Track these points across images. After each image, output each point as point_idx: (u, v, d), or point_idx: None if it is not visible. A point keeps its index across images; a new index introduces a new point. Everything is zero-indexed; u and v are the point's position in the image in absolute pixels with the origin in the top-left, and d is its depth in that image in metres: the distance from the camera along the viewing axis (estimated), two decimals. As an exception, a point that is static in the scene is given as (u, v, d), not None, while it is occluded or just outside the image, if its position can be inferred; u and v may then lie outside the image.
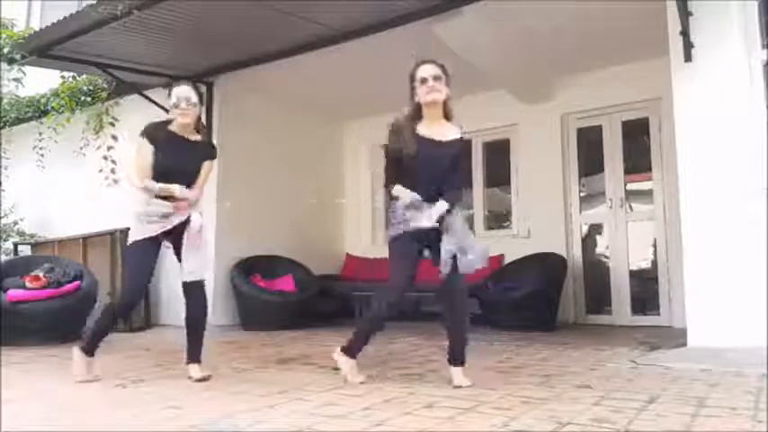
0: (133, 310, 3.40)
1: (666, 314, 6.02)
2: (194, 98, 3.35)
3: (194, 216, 3.34)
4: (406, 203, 3.13)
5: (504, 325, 5.72)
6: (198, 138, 3.47)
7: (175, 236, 3.34)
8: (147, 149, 3.30)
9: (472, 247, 3.15)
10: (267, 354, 4.37)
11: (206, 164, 3.45)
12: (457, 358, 3.16)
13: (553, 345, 4.63)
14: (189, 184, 3.35)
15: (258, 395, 2.80)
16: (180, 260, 3.39)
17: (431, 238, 3.15)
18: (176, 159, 3.32)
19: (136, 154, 3.36)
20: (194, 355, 3.39)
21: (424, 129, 3.16)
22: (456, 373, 3.11)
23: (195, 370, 3.32)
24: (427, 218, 3.10)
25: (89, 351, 3.32)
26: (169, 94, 3.39)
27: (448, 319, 3.23)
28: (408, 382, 3.11)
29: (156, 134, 3.35)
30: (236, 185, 6.72)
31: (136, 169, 3.33)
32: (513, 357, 4.02)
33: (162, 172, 3.29)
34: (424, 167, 3.12)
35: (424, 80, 3.13)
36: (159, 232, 3.28)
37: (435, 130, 3.18)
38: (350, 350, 3.20)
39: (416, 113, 3.19)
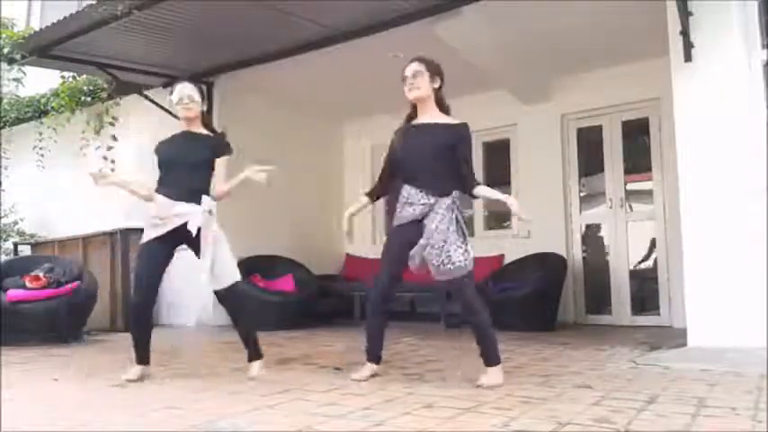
0: (149, 307, 3.33)
1: (666, 314, 6.02)
2: (196, 96, 3.44)
3: (195, 217, 3.27)
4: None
5: (504, 325, 5.70)
6: (203, 131, 3.51)
7: (191, 239, 3.30)
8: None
9: (444, 248, 3.00)
10: (267, 354, 4.34)
11: (217, 164, 3.47)
12: (484, 358, 3.08)
13: (553, 345, 4.63)
14: (193, 174, 3.35)
15: (258, 395, 2.80)
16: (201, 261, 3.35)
17: (418, 233, 3.11)
18: (177, 151, 3.39)
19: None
20: (250, 354, 3.43)
21: (415, 121, 3.30)
22: (485, 372, 3.05)
23: (253, 369, 3.37)
24: (412, 211, 3.14)
25: (140, 360, 3.34)
26: (171, 92, 3.49)
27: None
28: (408, 382, 3.11)
29: (160, 143, 3.50)
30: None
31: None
32: (513, 357, 4.01)
33: (164, 164, 3.39)
34: (405, 154, 3.23)
35: (404, 78, 3.25)
36: (160, 234, 3.27)
37: (424, 119, 3.27)
38: (366, 352, 3.27)
39: (413, 112, 3.32)
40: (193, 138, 3.44)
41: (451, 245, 3.01)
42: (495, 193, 3.31)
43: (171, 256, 3.37)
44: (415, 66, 3.23)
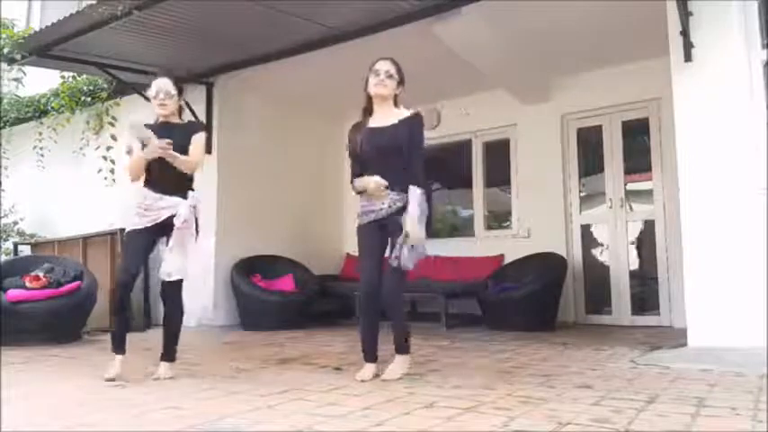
0: (130, 286, 3.38)
1: (666, 314, 6.01)
2: (173, 90, 3.47)
3: (182, 209, 3.33)
4: (368, 187, 3.27)
5: (504, 325, 5.72)
6: (179, 121, 3.58)
7: (169, 230, 3.37)
8: (136, 147, 3.41)
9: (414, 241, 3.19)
10: (267, 354, 4.37)
11: (194, 138, 3.49)
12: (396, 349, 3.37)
13: (553, 345, 4.63)
14: (175, 169, 3.38)
15: (258, 395, 2.80)
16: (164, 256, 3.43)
17: (391, 228, 3.25)
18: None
19: (127, 156, 3.51)
20: (166, 354, 3.46)
21: (371, 121, 3.41)
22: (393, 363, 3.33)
23: (163, 368, 3.39)
24: (379, 209, 3.27)
25: (117, 349, 3.37)
26: (149, 86, 3.51)
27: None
28: (408, 382, 3.11)
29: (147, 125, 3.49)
30: (235, 185, 6.73)
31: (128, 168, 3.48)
32: (513, 357, 4.02)
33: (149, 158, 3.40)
34: (367, 155, 3.34)
35: (376, 72, 3.38)
36: (146, 225, 3.35)
37: (379, 119, 3.39)
38: (363, 352, 3.35)
39: (368, 105, 3.44)
40: (171, 129, 3.46)
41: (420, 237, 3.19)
42: (410, 215, 3.20)
43: (154, 245, 3.48)
44: (390, 67, 3.38)
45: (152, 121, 3.55)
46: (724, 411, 2.40)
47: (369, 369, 3.26)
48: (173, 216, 3.32)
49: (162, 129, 3.44)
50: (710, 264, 3.98)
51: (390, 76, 3.36)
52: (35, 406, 2.72)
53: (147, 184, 3.44)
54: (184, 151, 3.41)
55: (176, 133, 3.43)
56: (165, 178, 3.38)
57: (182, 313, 3.52)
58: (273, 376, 3.39)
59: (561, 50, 5.94)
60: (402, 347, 3.34)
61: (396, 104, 3.43)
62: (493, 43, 5.62)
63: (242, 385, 3.08)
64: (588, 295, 6.54)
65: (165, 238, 3.42)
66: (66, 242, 6.90)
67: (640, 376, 3.27)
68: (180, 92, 3.53)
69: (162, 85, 3.44)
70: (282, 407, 2.56)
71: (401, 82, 3.42)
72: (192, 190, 3.47)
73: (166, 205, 3.34)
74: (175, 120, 3.54)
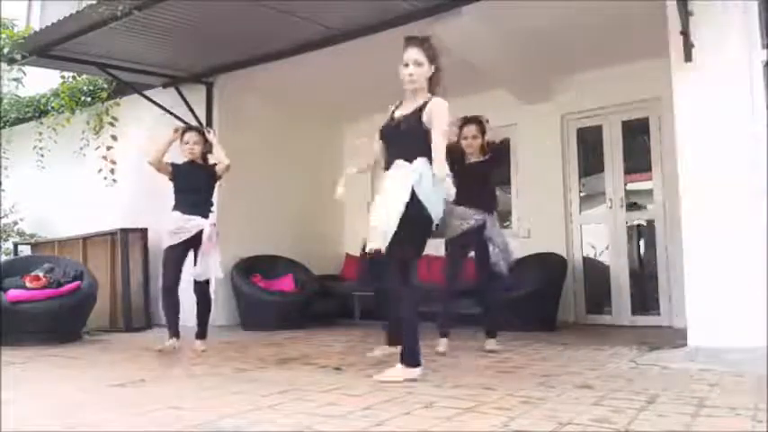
0: (175, 288, 4.52)
1: (666, 314, 6.02)
2: (199, 141, 4.71)
3: (207, 228, 4.46)
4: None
5: (503, 325, 5.70)
6: (202, 163, 4.80)
7: (197, 243, 4.48)
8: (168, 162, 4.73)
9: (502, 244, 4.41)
10: (267, 354, 4.37)
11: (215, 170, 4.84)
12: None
13: (553, 345, 4.63)
14: (201, 196, 4.63)
15: (258, 395, 2.80)
16: (195, 263, 4.54)
17: (472, 239, 4.25)
18: (188, 179, 4.64)
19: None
20: (199, 333, 4.61)
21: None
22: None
23: (197, 344, 4.51)
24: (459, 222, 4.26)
25: (173, 335, 4.47)
26: (181, 138, 4.71)
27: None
28: (408, 382, 3.11)
29: (175, 167, 4.71)
30: (235, 185, 6.71)
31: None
32: (513, 357, 4.02)
33: (179, 189, 4.63)
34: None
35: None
36: (180, 240, 4.47)
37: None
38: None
39: (463, 153, 4.39)
40: (198, 168, 4.73)
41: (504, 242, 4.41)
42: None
43: (186, 254, 4.56)
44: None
45: (182, 161, 4.74)
46: (724, 411, 2.40)
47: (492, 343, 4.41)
48: (200, 232, 4.44)
49: (191, 169, 4.69)
50: (710, 264, 3.98)
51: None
52: (35, 406, 2.72)
53: (177, 207, 4.53)
54: (209, 187, 4.71)
55: (202, 175, 4.68)
56: (191, 204, 4.51)
57: (210, 305, 4.67)
58: (273, 376, 3.39)
59: (561, 50, 5.94)
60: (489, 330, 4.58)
61: (483, 148, 4.48)
62: (493, 43, 5.62)
63: (242, 385, 3.08)
64: (588, 295, 6.54)
65: (193, 250, 4.51)
66: (66, 242, 6.90)
67: (640, 376, 3.26)
68: (205, 141, 4.75)
69: (191, 137, 4.69)
70: (282, 407, 2.56)
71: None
72: (212, 212, 4.62)
73: (194, 225, 4.47)
74: (199, 162, 4.74)
